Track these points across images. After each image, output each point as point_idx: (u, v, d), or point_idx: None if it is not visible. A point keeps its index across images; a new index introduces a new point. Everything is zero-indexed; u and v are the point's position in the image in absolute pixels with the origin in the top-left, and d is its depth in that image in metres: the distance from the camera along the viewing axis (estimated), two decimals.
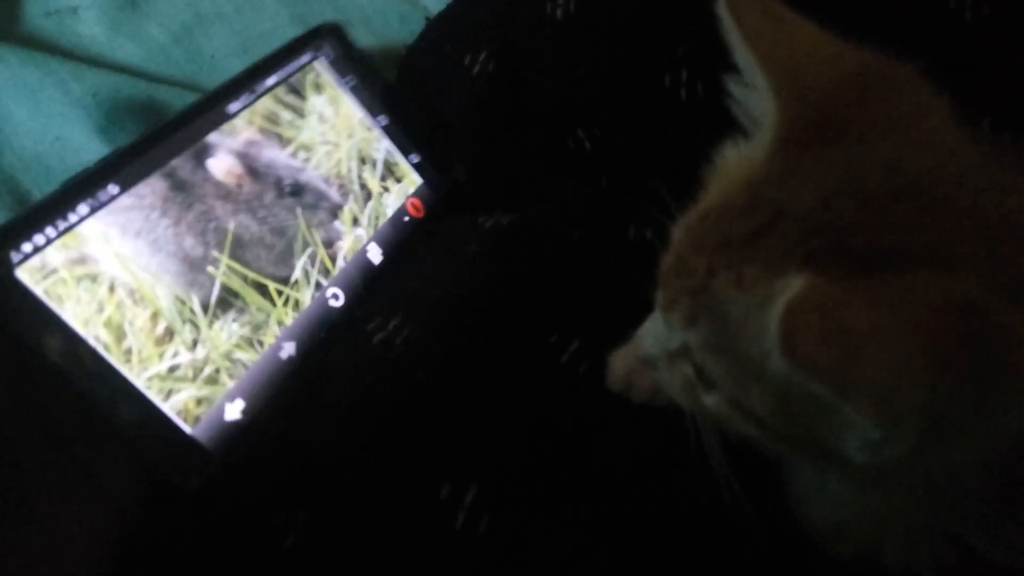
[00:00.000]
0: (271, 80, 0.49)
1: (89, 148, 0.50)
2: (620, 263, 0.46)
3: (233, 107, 0.47)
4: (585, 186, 0.54)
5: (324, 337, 0.45)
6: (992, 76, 0.47)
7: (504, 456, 0.38)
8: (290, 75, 0.50)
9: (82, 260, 0.38)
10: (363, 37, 0.62)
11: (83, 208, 0.39)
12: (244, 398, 0.41)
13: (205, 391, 0.40)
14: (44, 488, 0.34)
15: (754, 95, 0.30)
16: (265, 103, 0.48)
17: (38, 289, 0.36)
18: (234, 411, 0.40)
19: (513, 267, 0.47)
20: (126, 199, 0.40)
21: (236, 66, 0.48)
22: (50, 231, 0.37)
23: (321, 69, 0.52)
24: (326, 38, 0.53)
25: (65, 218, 0.38)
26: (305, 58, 0.52)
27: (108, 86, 0.52)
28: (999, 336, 0.22)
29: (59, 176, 0.39)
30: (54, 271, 0.37)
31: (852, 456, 0.25)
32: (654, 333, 0.33)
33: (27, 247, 0.36)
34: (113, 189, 0.40)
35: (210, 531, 0.37)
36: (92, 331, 0.37)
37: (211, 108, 0.46)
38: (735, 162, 0.31)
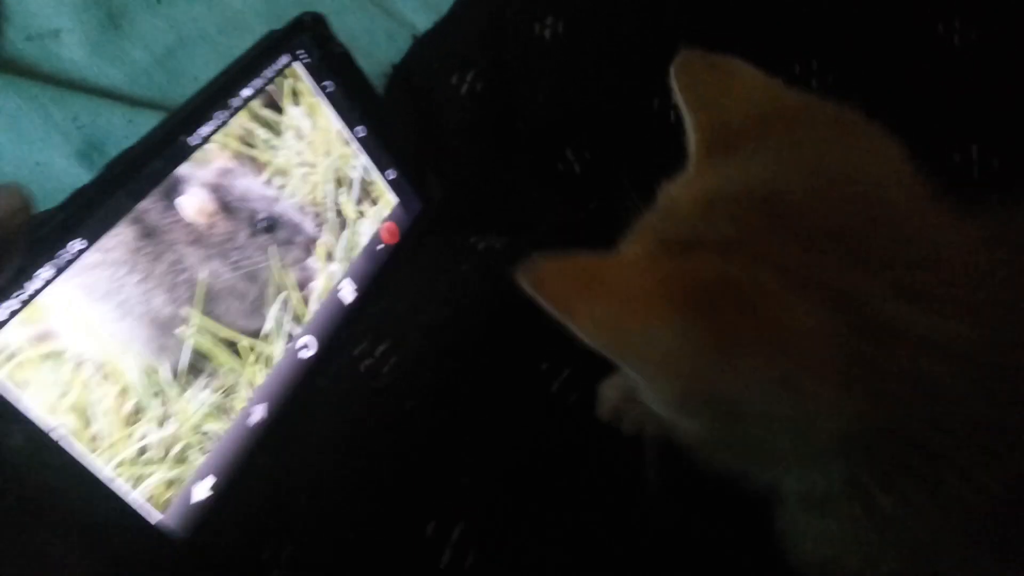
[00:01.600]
0: (247, 91, 0.44)
1: (70, 173, 0.51)
2: None
3: (206, 129, 0.42)
4: (576, 208, 0.54)
5: (295, 395, 0.43)
6: (979, 100, 0.49)
7: (492, 491, 0.39)
8: (267, 83, 0.45)
9: (45, 336, 0.34)
10: None
11: (46, 271, 0.34)
12: (213, 474, 0.39)
13: (175, 472, 0.37)
14: None
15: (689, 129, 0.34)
16: (240, 121, 0.43)
17: None
18: (202, 490, 0.38)
19: (504, 291, 0.48)
20: (92, 255, 0.36)
21: None
22: (12, 303, 0.33)
23: (300, 73, 0.47)
24: (306, 33, 0.48)
25: (25, 287, 0.33)
26: (283, 60, 0.46)
27: (89, 111, 0.52)
28: (744, 302, 0.25)
29: (39, 203, 0.37)
30: (15, 353, 0.33)
31: (658, 410, 0.29)
32: None
33: None
34: (78, 244, 0.35)
35: (195, 566, 0.37)
36: (57, 419, 0.34)
37: (181, 132, 0.40)
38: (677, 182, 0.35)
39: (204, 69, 0.47)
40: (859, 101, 0.33)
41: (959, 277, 0.27)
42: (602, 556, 0.38)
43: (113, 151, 0.37)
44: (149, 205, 0.38)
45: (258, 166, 0.44)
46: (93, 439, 0.34)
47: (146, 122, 0.44)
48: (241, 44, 0.44)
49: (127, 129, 0.52)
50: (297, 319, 0.44)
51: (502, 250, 0.49)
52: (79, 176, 0.41)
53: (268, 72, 0.45)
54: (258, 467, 0.40)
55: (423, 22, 0.64)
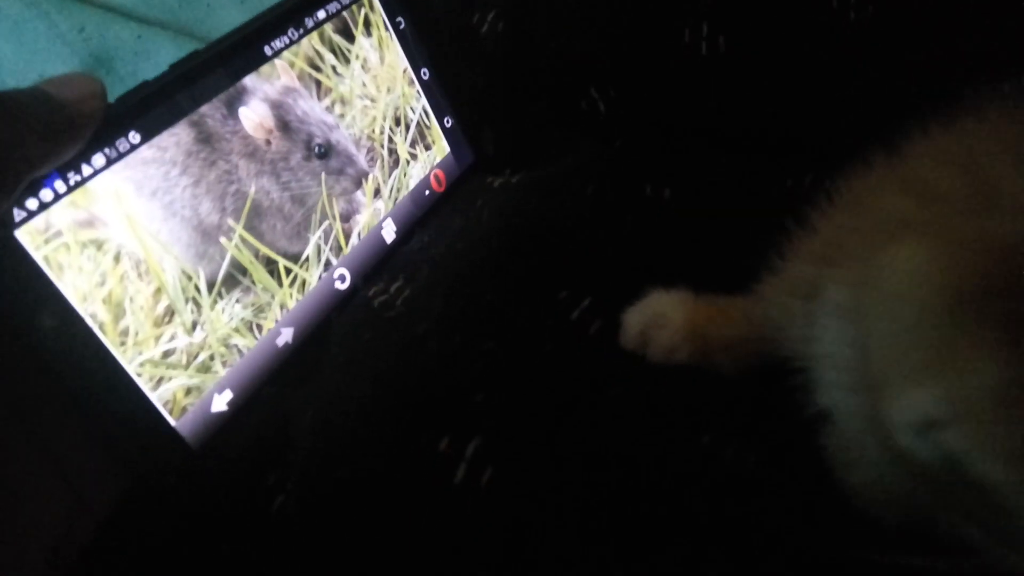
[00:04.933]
0: (322, 12, 0.43)
1: None
2: (636, 220, 0.45)
3: (278, 43, 0.41)
4: (600, 145, 0.52)
5: (324, 323, 0.42)
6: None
7: (509, 407, 0.37)
8: (343, 8, 0.44)
9: (90, 222, 0.34)
10: None
11: (99, 159, 0.34)
12: (233, 389, 0.38)
13: (196, 380, 0.37)
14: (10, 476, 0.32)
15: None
16: (311, 42, 0.42)
17: (38, 255, 0.32)
18: (221, 402, 0.38)
19: (522, 221, 0.46)
20: (147, 151, 0.35)
21: (232, 15, 0.43)
22: (59, 184, 0.33)
23: (376, 4, 0.46)
24: None
25: (78, 170, 0.33)
26: None
27: (96, 22, 0.49)
28: None
29: None
30: (58, 234, 0.32)
31: None
32: None
33: (32, 203, 0.32)
34: (134, 138, 0.35)
35: (199, 489, 0.37)
36: (90, 308, 0.33)
37: (253, 44, 0.40)
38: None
39: None
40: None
41: None
42: (624, 477, 0.36)
43: (121, 67, 0.36)
44: (210, 111, 0.38)
45: (321, 91, 0.43)
46: (122, 334, 0.34)
47: (156, 40, 0.42)
48: None
49: (136, 45, 0.50)
50: (337, 250, 0.43)
51: (518, 183, 0.48)
52: None
53: None
54: (276, 390, 0.40)
55: None
